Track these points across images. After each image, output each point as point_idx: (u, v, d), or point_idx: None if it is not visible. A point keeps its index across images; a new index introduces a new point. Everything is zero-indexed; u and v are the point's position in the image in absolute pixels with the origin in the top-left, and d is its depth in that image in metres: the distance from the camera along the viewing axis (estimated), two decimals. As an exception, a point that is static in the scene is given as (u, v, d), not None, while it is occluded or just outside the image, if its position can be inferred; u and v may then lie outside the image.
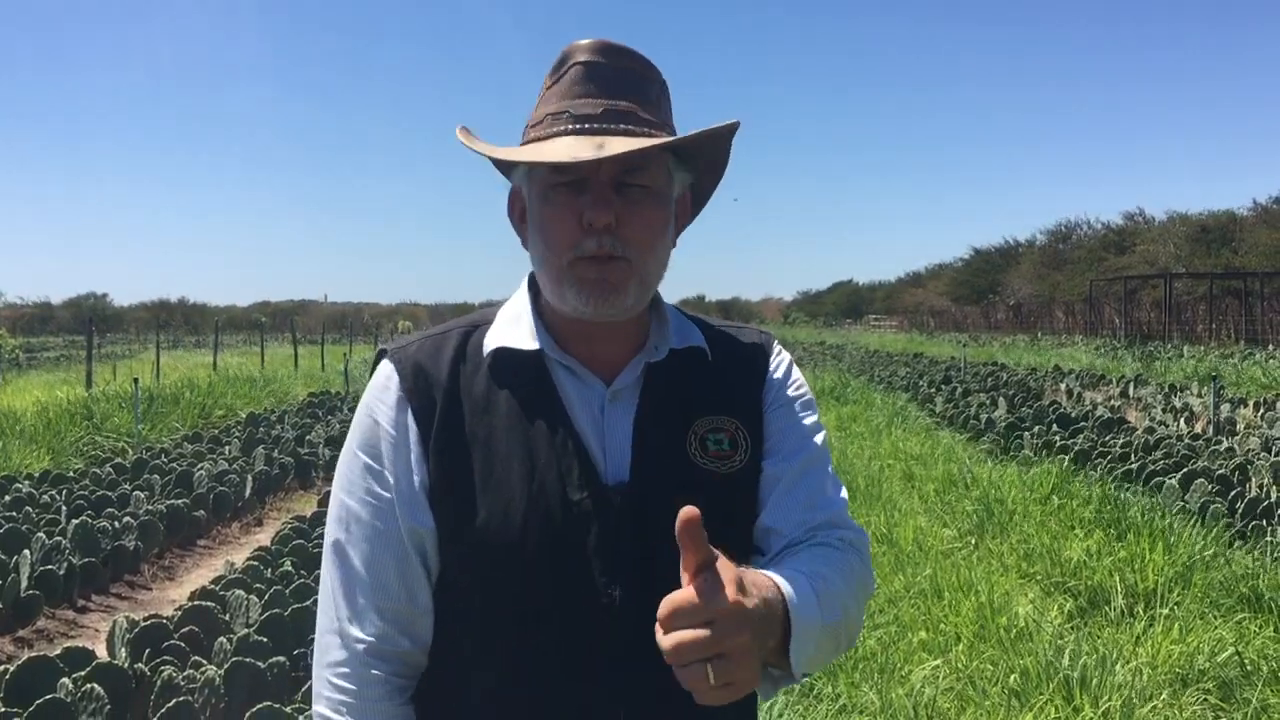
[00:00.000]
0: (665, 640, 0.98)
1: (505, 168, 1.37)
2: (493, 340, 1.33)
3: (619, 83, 1.28)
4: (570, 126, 1.25)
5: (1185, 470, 8.67)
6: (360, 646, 1.24)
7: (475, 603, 1.26)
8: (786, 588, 1.11)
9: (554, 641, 1.24)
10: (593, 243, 1.23)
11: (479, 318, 1.38)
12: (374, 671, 1.24)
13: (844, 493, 1.38)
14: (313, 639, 1.32)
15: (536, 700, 1.24)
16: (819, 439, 1.38)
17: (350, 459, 1.30)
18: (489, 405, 1.29)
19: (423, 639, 1.28)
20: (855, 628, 1.27)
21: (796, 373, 1.43)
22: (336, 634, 1.26)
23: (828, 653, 1.19)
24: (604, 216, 1.22)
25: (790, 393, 1.40)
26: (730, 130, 1.29)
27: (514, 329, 1.33)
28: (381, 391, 1.30)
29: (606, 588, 1.24)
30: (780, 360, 1.43)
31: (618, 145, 1.21)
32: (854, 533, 1.34)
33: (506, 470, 1.26)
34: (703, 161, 1.36)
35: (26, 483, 9.19)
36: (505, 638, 1.25)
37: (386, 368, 1.32)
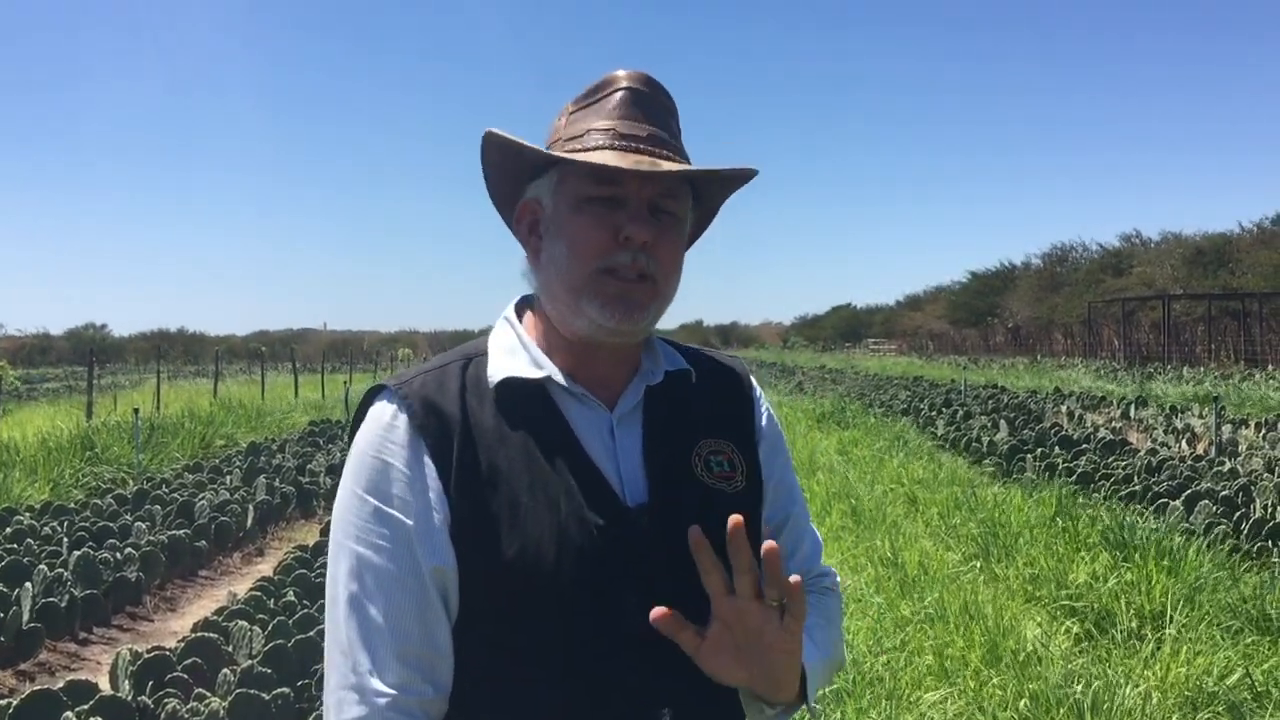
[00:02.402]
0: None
1: (520, 179, 1.37)
2: (496, 371, 1.31)
3: (659, 112, 1.33)
4: (618, 143, 1.27)
5: (1189, 492, 8.66)
6: (382, 701, 1.19)
7: (509, 639, 1.23)
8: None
9: (593, 668, 1.23)
10: (627, 257, 1.26)
11: (471, 349, 1.36)
12: None
13: (818, 533, 1.52)
14: (317, 669, 1.29)
15: None
16: (794, 477, 1.49)
17: (356, 504, 1.24)
18: (502, 437, 1.27)
19: (444, 685, 1.23)
20: (842, 654, 1.45)
21: (768, 401, 1.51)
22: (354, 689, 1.20)
23: (826, 681, 1.39)
24: (646, 233, 1.25)
25: (771, 426, 1.47)
26: (748, 178, 1.35)
27: (513, 359, 1.32)
28: (388, 430, 1.25)
29: (642, 610, 1.23)
30: (758, 390, 1.49)
31: (663, 166, 1.25)
32: (831, 577, 1.49)
33: (532, 502, 1.24)
34: (704, 204, 1.41)
35: (27, 514, 9.16)
36: (543, 670, 1.23)
37: (388, 405, 1.27)
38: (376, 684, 1.19)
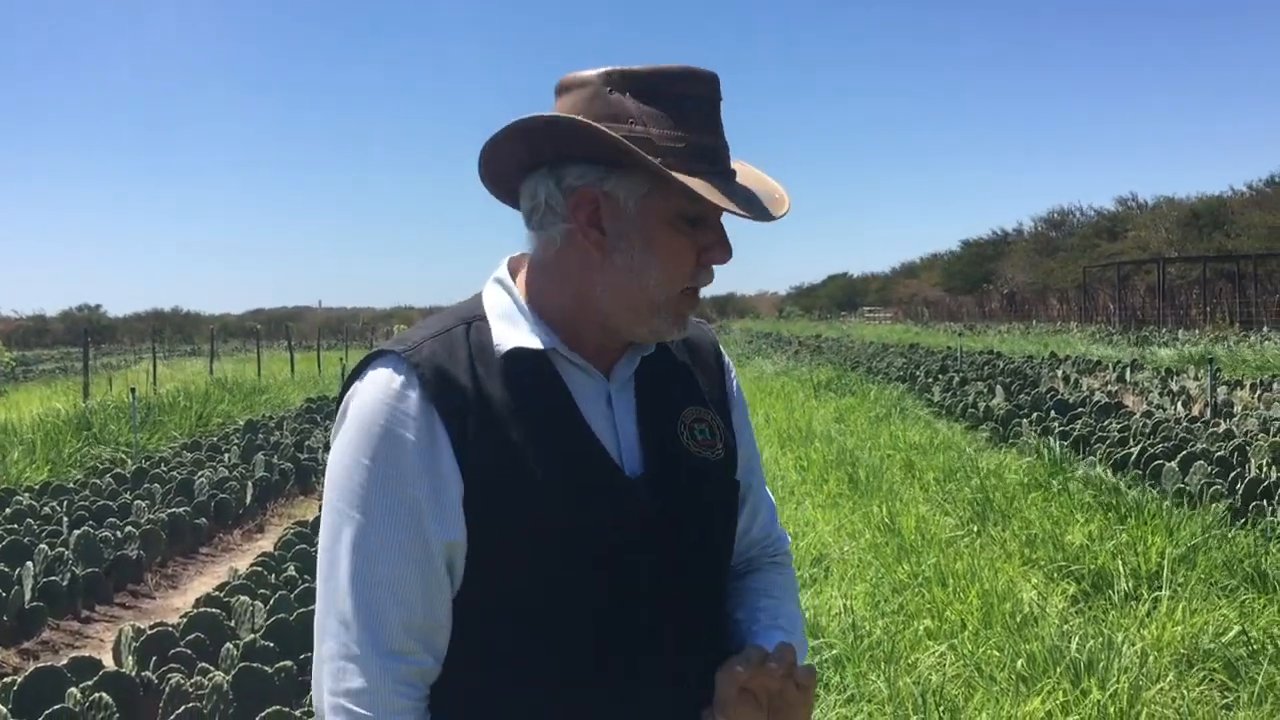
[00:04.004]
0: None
1: (547, 159, 1.29)
2: (503, 340, 1.28)
3: (720, 117, 1.31)
4: (723, 169, 1.28)
5: (1184, 453, 8.68)
6: (383, 672, 1.19)
7: (525, 611, 1.24)
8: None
9: (603, 634, 1.25)
10: (707, 277, 1.30)
11: (466, 313, 1.33)
12: (397, 697, 1.19)
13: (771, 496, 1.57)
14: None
15: (594, 690, 1.25)
16: (755, 443, 1.54)
17: (361, 473, 1.21)
18: (511, 408, 1.25)
19: (442, 654, 1.24)
20: (804, 631, 1.50)
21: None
22: (355, 660, 1.19)
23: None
24: (726, 261, 1.30)
25: (739, 392, 1.51)
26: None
27: (515, 327, 1.30)
28: (398, 399, 1.22)
29: (650, 576, 1.27)
30: (726, 356, 1.52)
31: (780, 205, 1.29)
32: (784, 542, 1.55)
33: (544, 475, 1.23)
34: None
35: (27, 495, 9.18)
36: (558, 642, 1.24)
37: (396, 372, 1.24)
38: (379, 655, 1.19)
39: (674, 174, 1.21)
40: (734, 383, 1.49)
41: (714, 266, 1.30)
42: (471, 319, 1.32)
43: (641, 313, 1.28)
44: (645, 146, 1.22)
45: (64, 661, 4.56)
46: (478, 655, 1.24)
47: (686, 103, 1.25)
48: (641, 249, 1.26)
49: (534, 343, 1.28)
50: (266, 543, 8.58)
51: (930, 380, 18.66)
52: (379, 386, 1.23)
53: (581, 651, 1.24)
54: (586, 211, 1.27)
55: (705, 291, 1.34)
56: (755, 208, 1.25)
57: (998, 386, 15.96)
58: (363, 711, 1.18)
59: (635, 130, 1.23)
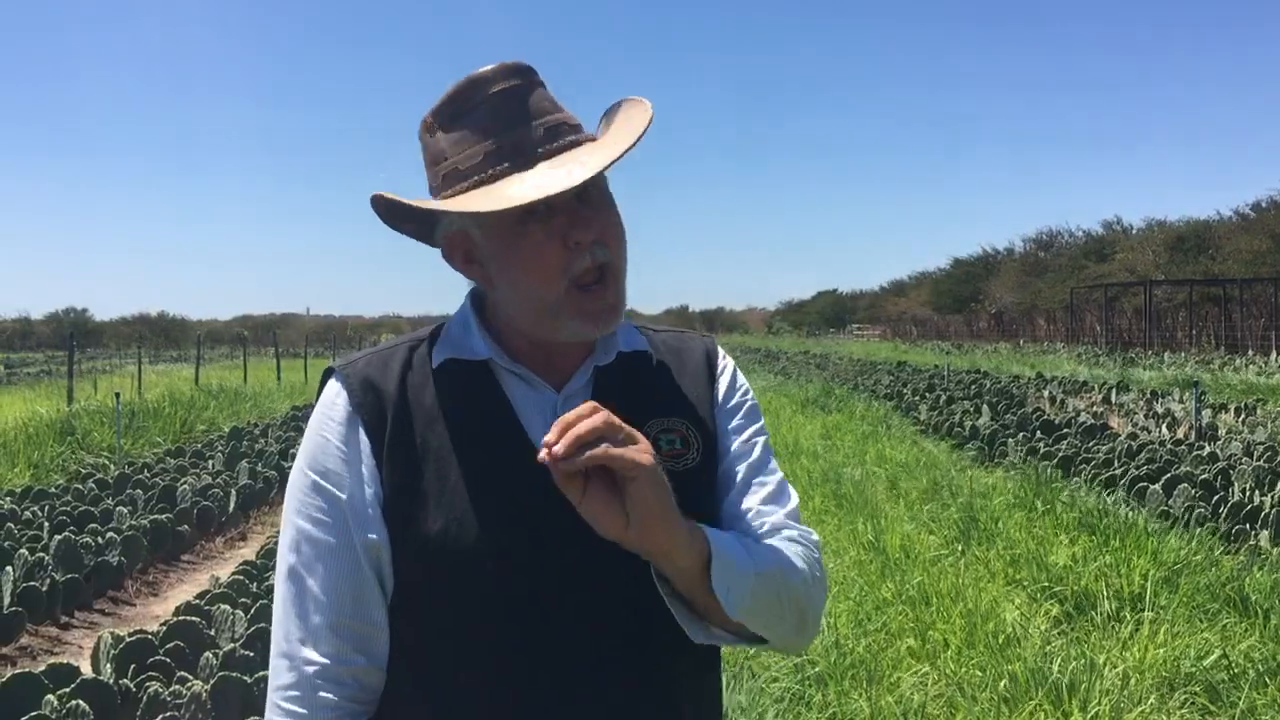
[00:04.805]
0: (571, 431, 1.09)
1: (431, 219, 1.34)
2: (440, 352, 1.33)
3: (539, 98, 1.28)
4: (533, 155, 1.23)
5: (1169, 475, 8.71)
6: (311, 669, 1.22)
7: (439, 615, 1.24)
8: (704, 528, 1.20)
9: (521, 644, 1.23)
10: (586, 258, 1.24)
11: (424, 333, 1.38)
12: (324, 694, 1.21)
13: (795, 496, 1.39)
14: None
15: (511, 704, 1.23)
16: (764, 441, 1.41)
17: (300, 478, 1.28)
18: (439, 416, 1.28)
19: (379, 657, 1.25)
20: (808, 604, 1.29)
21: (742, 378, 1.46)
22: (286, 656, 1.23)
23: (770, 608, 1.23)
24: (591, 232, 1.24)
25: (739, 397, 1.42)
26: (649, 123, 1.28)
27: (461, 341, 1.33)
28: (329, 408, 1.30)
29: (571, 589, 1.24)
30: (727, 364, 1.45)
31: (591, 162, 1.21)
32: (801, 531, 1.34)
33: (461, 479, 1.25)
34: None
35: (8, 499, 9.12)
36: (474, 646, 1.23)
37: (334, 385, 1.31)
38: (308, 652, 1.23)
39: (474, 205, 1.21)
40: (730, 389, 1.41)
41: (599, 245, 1.25)
42: (424, 338, 1.37)
43: (545, 320, 1.28)
44: (452, 179, 1.27)
45: (42, 668, 4.53)
46: (412, 663, 1.25)
47: (483, 109, 1.26)
48: (507, 266, 1.28)
49: (471, 354, 1.32)
50: (249, 551, 8.54)
51: (917, 398, 18.70)
52: (320, 400, 1.33)
53: (508, 655, 1.23)
54: (461, 254, 1.33)
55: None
56: (561, 178, 1.19)
57: (984, 406, 16.01)
58: (291, 707, 1.22)
59: (445, 168, 1.28)
